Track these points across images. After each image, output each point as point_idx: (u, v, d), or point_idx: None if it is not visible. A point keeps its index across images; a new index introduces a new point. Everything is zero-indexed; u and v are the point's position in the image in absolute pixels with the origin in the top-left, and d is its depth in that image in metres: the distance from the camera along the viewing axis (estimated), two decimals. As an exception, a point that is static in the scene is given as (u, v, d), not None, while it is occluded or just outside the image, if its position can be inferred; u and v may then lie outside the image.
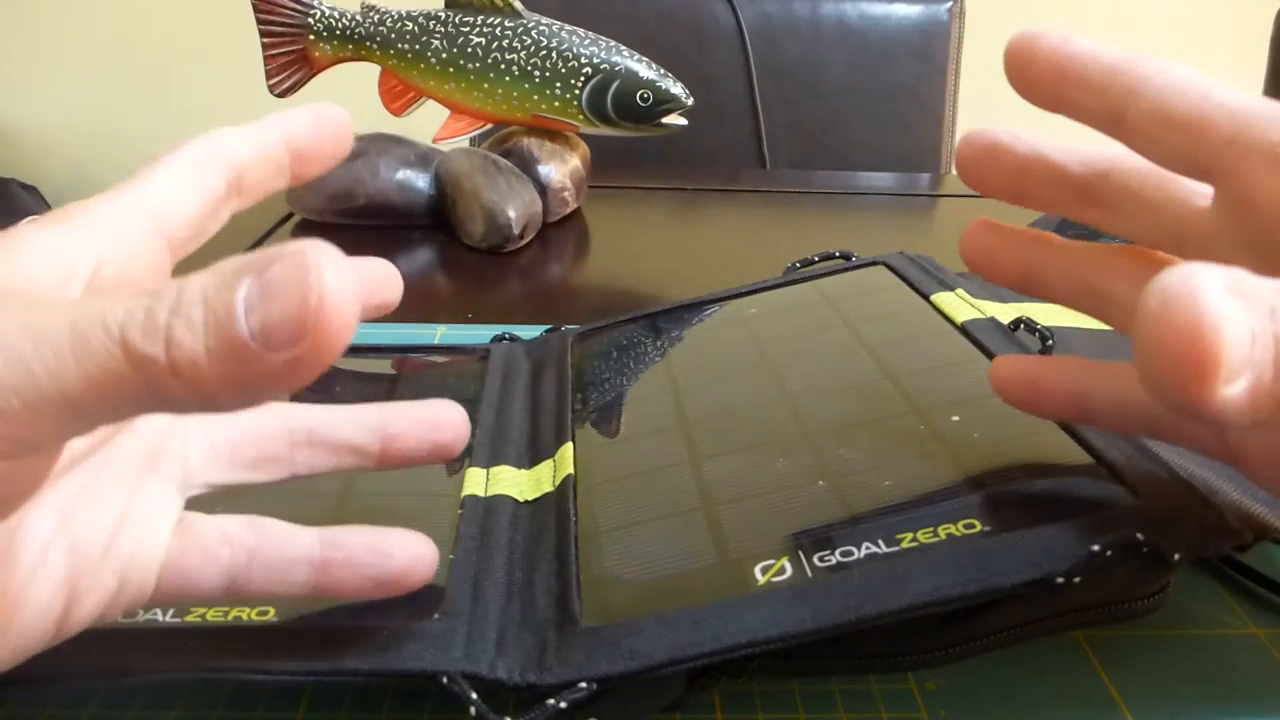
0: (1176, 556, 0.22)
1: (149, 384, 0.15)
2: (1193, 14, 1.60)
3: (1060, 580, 0.22)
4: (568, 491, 0.30)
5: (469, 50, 0.62)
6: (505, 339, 0.42)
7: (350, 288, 0.15)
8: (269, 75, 0.64)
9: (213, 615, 0.24)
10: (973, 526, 0.24)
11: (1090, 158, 0.26)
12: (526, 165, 0.63)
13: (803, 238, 0.66)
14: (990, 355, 0.32)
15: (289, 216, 0.66)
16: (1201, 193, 0.24)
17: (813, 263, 0.44)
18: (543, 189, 0.63)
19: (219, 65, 1.56)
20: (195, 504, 0.24)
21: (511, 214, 0.59)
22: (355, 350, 0.41)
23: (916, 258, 0.42)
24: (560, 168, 0.64)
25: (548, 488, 0.31)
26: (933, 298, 0.37)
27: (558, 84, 0.61)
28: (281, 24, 0.63)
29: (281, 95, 0.65)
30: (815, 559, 0.24)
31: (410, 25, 0.62)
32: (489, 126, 0.65)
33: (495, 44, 0.61)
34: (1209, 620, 0.28)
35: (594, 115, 0.62)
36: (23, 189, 1.56)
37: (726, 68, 1.01)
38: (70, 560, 0.20)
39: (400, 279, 0.26)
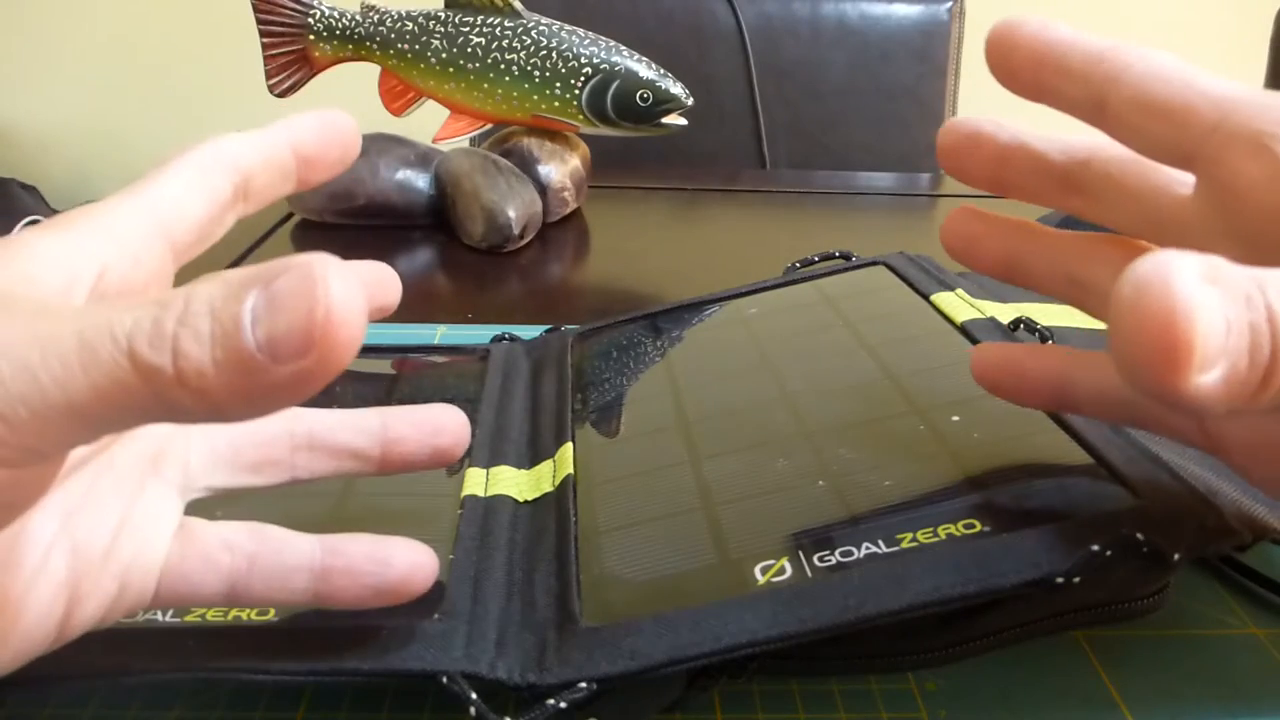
0: (1176, 556, 0.22)
1: (156, 394, 0.15)
2: (1193, 14, 1.60)
3: (1060, 580, 0.22)
4: (568, 491, 0.30)
5: (469, 50, 0.62)
6: (505, 339, 0.42)
7: (357, 300, 0.15)
8: (269, 75, 0.64)
9: (213, 615, 0.24)
10: (973, 526, 0.24)
11: (1071, 146, 0.26)
12: (526, 165, 0.63)
13: (803, 238, 0.66)
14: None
15: (289, 216, 0.66)
16: (1183, 181, 0.24)
17: (813, 263, 0.44)
18: (543, 189, 0.63)
19: (219, 65, 1.56)
20: (196, 507, 0.24)
21: (511, 214, 0.59)
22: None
23: (916, 258, 0.42)
24: (560, 168, 0.64)
25: (548, 488, 0.31)
26: (933, 298, 0.37)
27: (558, 84, 0.61)
28: (281, 24, 0.63)
29: (281, 95, 0.65)
30: (815, 559, 0.24)
31: (410, 25, 0.62)
32: (489, 126, 0.65)
33: (495, 44, 0.61)
34: (1209, 620, 0.28)
35: (594, 115, 0.62)
36: (23, 189, 1.56)
37: (726, 68, 1.01)
38: (71, 564, 0.20)
39: (399, 282, 0.26)
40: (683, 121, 0.63)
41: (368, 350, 0.41)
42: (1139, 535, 0.22)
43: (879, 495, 0.27)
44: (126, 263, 0.20)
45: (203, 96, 1.62)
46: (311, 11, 0.63)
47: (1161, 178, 0.25)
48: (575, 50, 0.61)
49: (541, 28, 0.61)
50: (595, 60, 0.61)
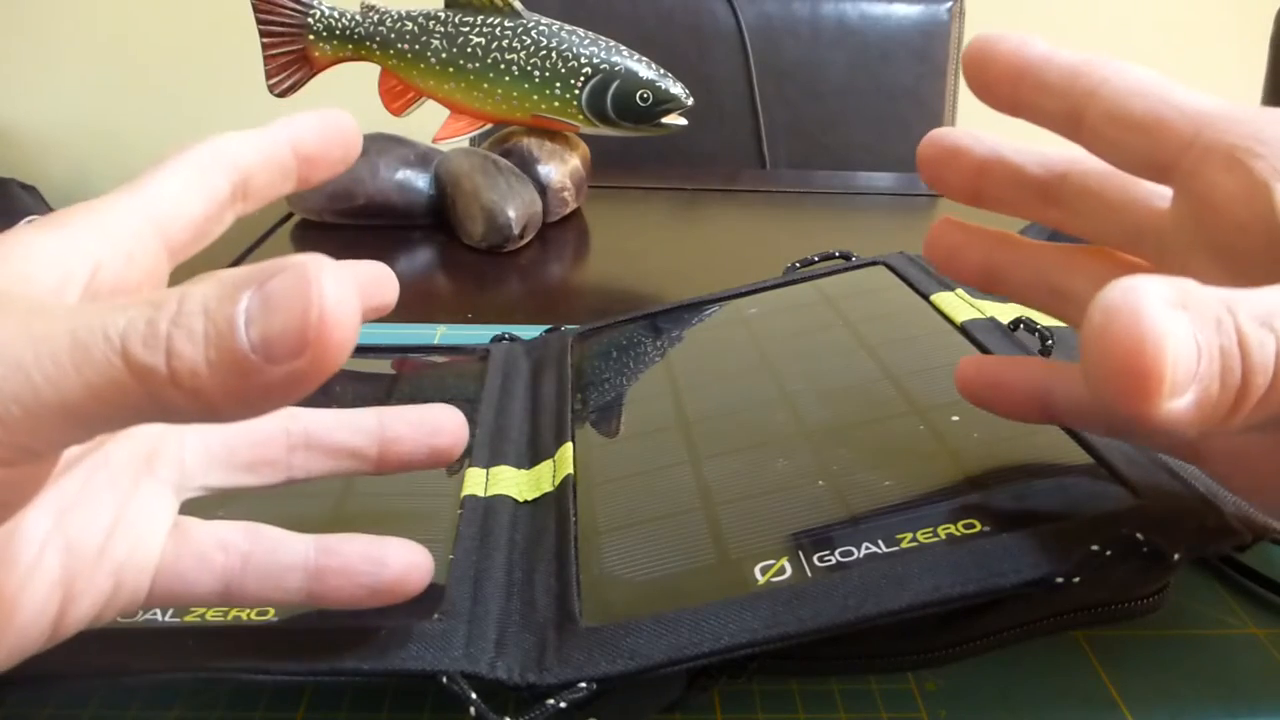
0: (1176, 556, 0.22)
1: (149, 394, 0.15)
2: (1193, 14, 1.60)
3: (1060, 580, 0.22)
4: (567, 491, 0.30)
5: (469, 50, 0.62)
6: (505, 339, 0.42)
7: (351, 301, 0.16)
8: (269, 75, 0.64)
9: (212, 615, 0.24)
10: (973, 526, 0.24)
11: (1049, 159, 0.26)
12: (526, 165, 0.63)
13: (803, 238, 0.66)
14: (990, 355, 0.32)
15: (289, 216, 0.66)
16: (1160, 193, 0.24)
17: (813, 263, 0.44)
18: (543, 189, 0.63)
19: (219, 65, 1.56)
20: (194, 506, 0.24)
21: (511, 214, 0.59)
22: (355, 350, 0.41)
23: (916, 258, 0.42)
24: (560, 168, 0.64)
25: (547, 488, 0.31)
26: (932, 298, 0.37)
27: (557, 84, 0.61)
28: (281, 24, 0.63)
29: (281, 95, 0.65)
30: (815, 559, 0.24)
31: (410, 25, 0.62)
32: (489, 126, 0.65)
33: (495, 44, 0.61)
34: (1209, 620, 0.28)
35: (594, 115, 0.62)
36: (22, 189, 1.56)
37: (726, 68, 1.01)
38: (65, 561, 0.20)
39: (396, 281, 0.26)
40: (683, 121, 0.63)
41: (367, 350, 0.41)
42: (1139, 535, 0.22)
43: (879, 495, 0.27)
44: (120, 261, 0.20)
45: (203, 96, 1.62)
46: (311, 11, 0.63)
47: (1138, 191, 0.25)
48: (575, 50, 0.61)
49: (541, 28, 0.61)
50: (595, 60, 0.61)
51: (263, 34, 0.63)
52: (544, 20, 0.62)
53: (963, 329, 0.35)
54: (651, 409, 0.34)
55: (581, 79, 0.61)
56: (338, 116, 0.23)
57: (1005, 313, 0.35)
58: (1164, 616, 0.26)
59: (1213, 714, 0.25)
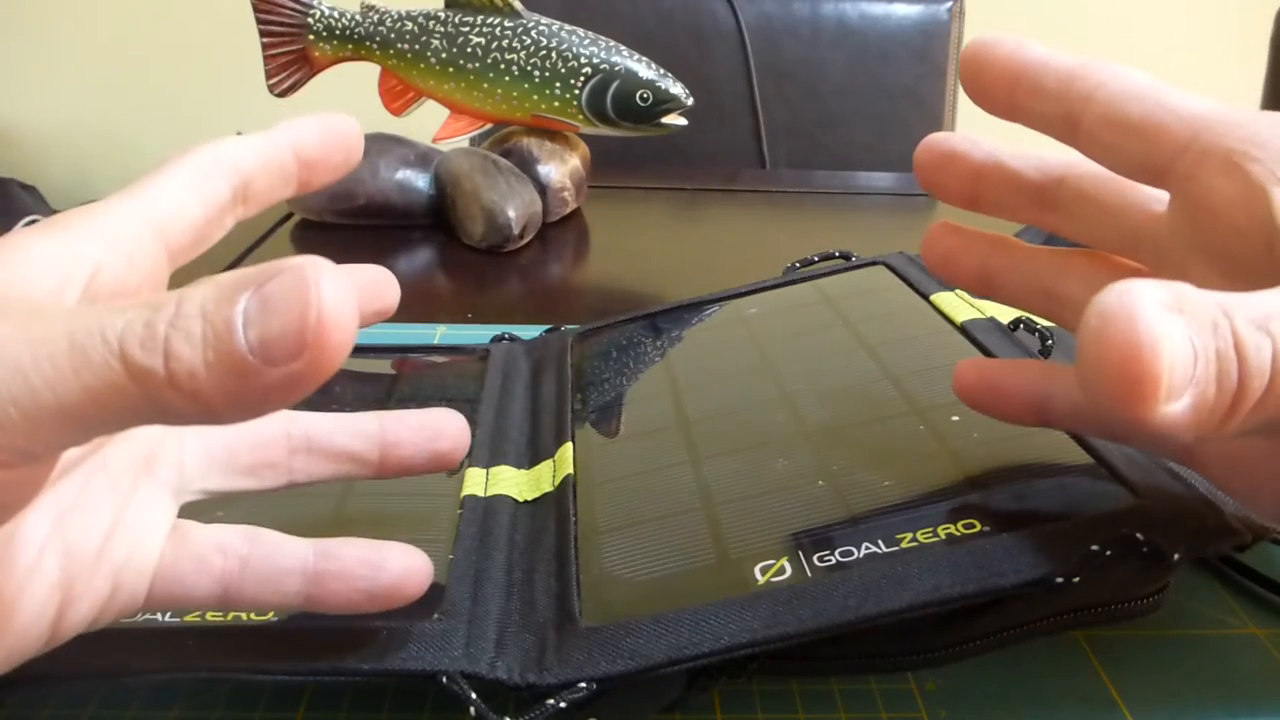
0: (1176, 556, 0.22)
1: (147, 396, 0.15)
2: (1193, 14, 1.60)
3: (1060, 580, 0.22)
4: (567, 491, 0.30)
5: (469, 50, 0.62)
6: (505, 339, 0.42)
7: (349, 303, 0.16)
8: (269, 75, 0.64)
9: (212, 615, 0.24)
10: (972, 526, 0.24)
11: (1046, 163, 0.26)
12: (526, 165, 0.63)
13: (803, 238, 0.66)
14: (990, 355, 0.32)
15: (289, 216, 0.66)
16: (1157, 197, 0.24)
17: (813, 263, 0.44)
18: (543, 189, 0.63)
19: (219, 65, 1.56)
20: (193, 508, 0.24)
21: (511, 214, 0.59)
22: (355, 350, 0.41)
23: (916, 258, 0.42)
24: (560, 168, 0.64)
25: (547, 488, 0.31)
26: (932, 297, 0.37)
27: (557, 84, 0.61)
28: (281, 24, 0.63)
29: (281, 95, 0.65)
30: (815, 559, 0.24)
31: (410, 25, 0.62)
32: (489, 126, 0.65)
33: (495, 44, 0.61)
34: (1209, 620, 0.28)
35: (594, 115, 0.62)
36: (22, 189, 1.56)
37: (726, 68, 1.01)
38: (64, 564, 0.20)
39: (397, 285, 0.26)
40: (683, 121, 0.63)
41: (367, 350, 0.41)
42: (1139, 535, 0.22)
43: (879, 495, 0.27)
44: (120, 264, 0.20)
45: (203, 96, 1.62)
46: (311, 11, 0.63)
47: (1135, 195, 0.25)
48: (575, 50, 0.61)
49: (541, 28, 0.61)
50: (595, 60, 0.61)
51: (263, 34, 0.63)
52: (544, 20, 0.62)
53: (963, 329, 0.35)
54: (651, 409, 0.34)
55: (581, 79, 0.61)
56: (339, 121, 0.23)
57: (1005, 313, 0.35)
58: (1164, 616, 0.26)
59: (1213, 714, 0.25)
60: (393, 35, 0.63)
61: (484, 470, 0.31)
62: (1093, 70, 0.23)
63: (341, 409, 0.26)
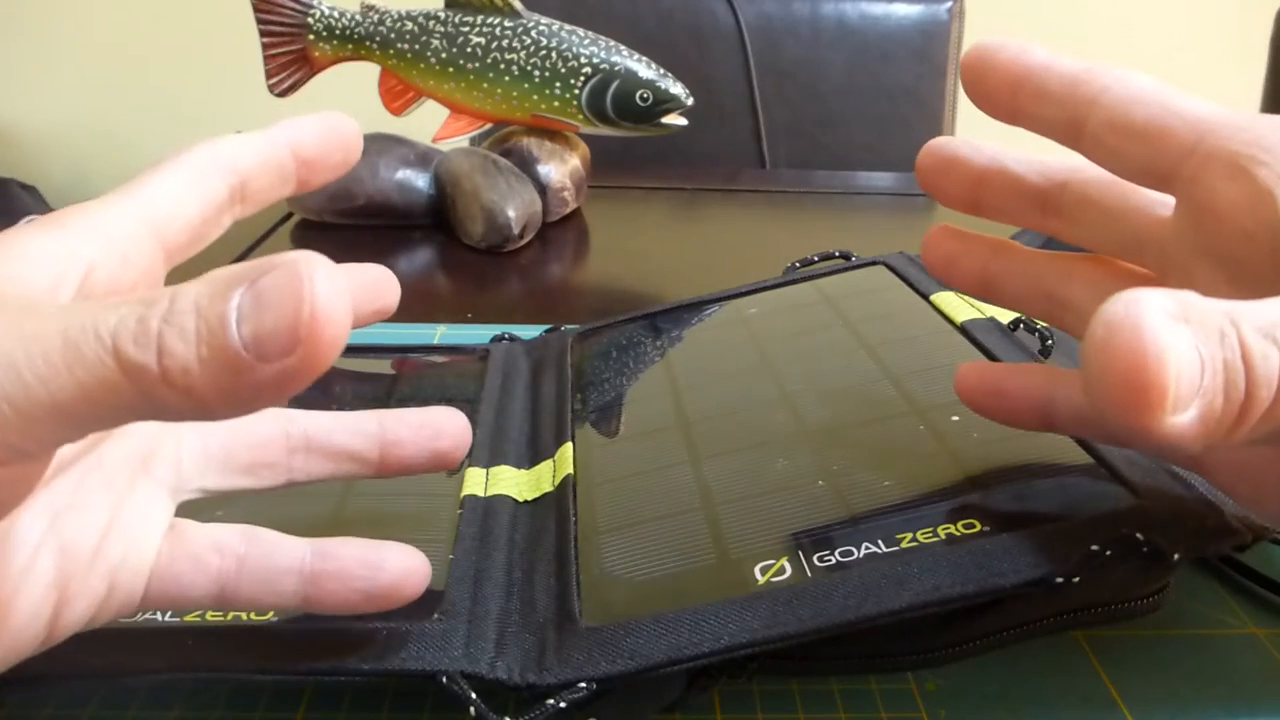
0: (1176, 556, 0.22)
1: (141, 392, 0.15)
2: (1193, 14, 1.60)
3: (1060, 580, 0.22)
4: (567, 491, 0.30)
5: (469, 50, 0.62)
6: (505, 339, 0.42)
7: (343, 299, 0.15)
8: (269, 75, 0.64)
9: (212, 615, 0.24)
10: (972, 526, 0.24)
11: (1049, 167, 0.26)
12: (526, 165, 0.63)
13: (803, 238, 0.66)
14: (990, 355, 0.32)
15: (288, 216, 0.66)
16: (1161, 202, 0.24)
17: (813, 263, 0.44)
18: (542, 189, 0.63)
19: (219, 65, 1.56)
20: (192, 506, 0.24)
21: (511, 214, 0.59)
22: (355, 350, 0.41)
23: (916, 258, 0.42)
24: (560, 168, 0.64)
25: (547, 488, 0.31)
26: (932, 297, 0.37)
27: (557, 84, 0.61)
28: (281, 24, 0.63)
29: (281, 95, 0.65)
30: (815, 559, 0.24)
31: (410, 25, 0.62)
32: (489, 126, 0.65)
33: (495, 44, 0.61)
34: (1209, 620, 0.28)
35: (594, 115, 0.62)
36: (22, 189, 1.56)
37: (726, 68, 1.01)
38: (60, 564, 0.20)
39: (397, 284, 0.26)
40: (683, 121, 0.63)
41: (367, 350, 0.41)
42: (1139, 535, 0.22)
43: (879, 495, 0.27)
44: (115, 262, 0.20)
45: (203, 96, 1.62)
46: (311, 11, 0.63)
47: (1139, 199, 0.25)
48: (575, 50, 0.61)
49: (541, 28, 0.61)
50: (595, 60, 0.61)
51: (263, 34, 0.63)
52: (544, 20, 0.62)
53: (963, 329, 0.35)
54: (651, 409, 0.34)
55: (581, 79, 0.61)
56: (338, 119, 0.23)
57: (1005, 313, 0.35)
58: (1164, 616, 0.26)
59: (1213, 714, 0.25)
60: (393, 35, 0.63)
61: (484, 470, 0.31)
62: (1097, 74, 0.23)
63: (341, 409, 0.26)
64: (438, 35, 0.62)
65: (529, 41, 0.61)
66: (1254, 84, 1.04)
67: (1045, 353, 0.32)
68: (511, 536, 0.28)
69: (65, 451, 0.21)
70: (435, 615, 0.24)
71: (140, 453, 0.23)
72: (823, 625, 0.22)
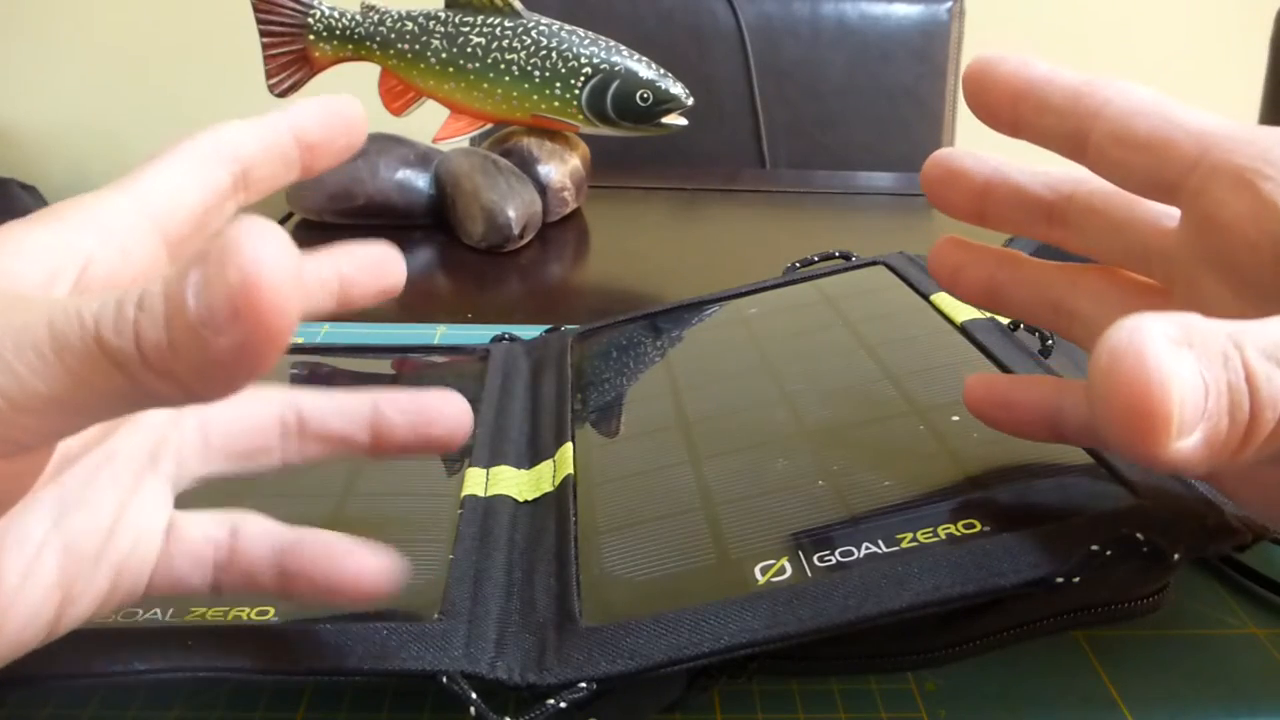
0: (1176, 556, 0.22)
1: (128, 378, 0.15)
2: (1193, 14, 1.60)
3: (1060, 580, 0.22)
4: (567, 492, 0.30)
5: (469, 50, 0.62)
6: (505, 339, 0.42)
7: (284, 265, 0.15)
8: (269, 75, 0.64)
9: (212, 615, 0.24)
10: (973, 526, 0.24)
11: (1054, 179, 0.26)
12: (526, 165, 0.63)
13: (803, 238, 0.66)
14: (990, 355, 0.32)
15: (289, 216, 0.66)
16: (1166, 213, 0.24)
17: (813, 263, 0.44)
18: (543, 189, 0.63)
19: (219, 65, 1.55)
20: (194, 497, 0.24)
21: (511, 214, 0.59)
22: (355, 350, 0.41)
23: (916, 258, 0.42)
24: (560, 168, 0.64)
25: (547, 488, 0.31)
26: (933, 298, 0.37)
27: (557, 84, 0.61)
28: (281, 24, 0.63)
29: (281, 95, 0.65)
30: (815, 559, 0.24)
31: (410, 25, 0.62)
32: (489, 126, 0.65)
33: (495, 44, 0.61)
34: (1209, 620, 0.28)
35: (594, 115, 0.62)
36: (22, 189, 1.56)
37: (726, 68, 1.01)
38: (63, 563, 0.20)
39: (402, 262, 0.26)
40: (683, 121, 0.63)
41: (367, 350, 0.41)
42: (1139, 535, 0.22)
43: (879, 495, 0.27)
44: (114, 254, 0.20)
45: (203, 96, 1.62)
46: (311, 11, 0.63)
47: (1145, 211, 0.25)
48: (575, 50, 0.61)
49: (541, 28, 0.61)
50: (595, 60, 0.61)
51: (263, 34, 0.63)
52: (544, 20, 0.62)
53: (963, 329, 0.35)
54: (651, 409, 0.34)
55: (581, 79, 0.61)
56: (341, 103, 0.23)
57: (1005, 313, 0.35)
58: (1164, 616, 0.26)
59: (1213, 714, 0.25)
60: (393, 35, 0.63)
61: (484, 470, 0.31)
62: (1099, 87, 0.23)
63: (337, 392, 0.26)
64: (438, 35, 0.62)
65: (529, 41, 0.61)
66: (1254, 84, 1.04)
67: (1045, 352, 0.32)
68: (511, 536, 0.28)
69: (71, 446, 0.21)
70: (435, 615, 0.24)
71: (149, 446, 0.23)
72: (823, 625, 0.22)
